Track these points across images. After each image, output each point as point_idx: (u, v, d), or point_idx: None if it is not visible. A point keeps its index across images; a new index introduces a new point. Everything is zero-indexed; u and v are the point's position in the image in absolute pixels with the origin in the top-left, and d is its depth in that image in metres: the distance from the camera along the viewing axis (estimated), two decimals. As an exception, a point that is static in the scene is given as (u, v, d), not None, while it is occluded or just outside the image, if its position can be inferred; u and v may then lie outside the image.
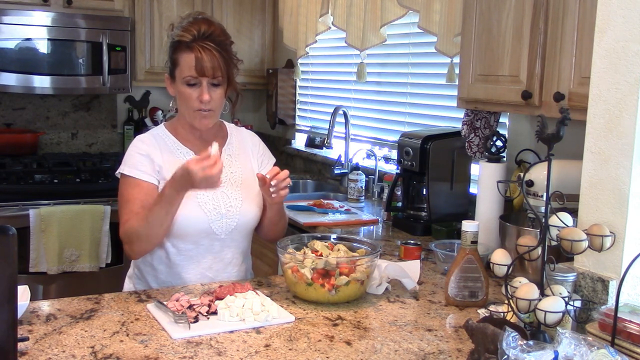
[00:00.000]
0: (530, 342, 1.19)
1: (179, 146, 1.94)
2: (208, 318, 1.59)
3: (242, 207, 1.93)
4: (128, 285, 2.01)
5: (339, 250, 1.82)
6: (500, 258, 1.49)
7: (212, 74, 1.84)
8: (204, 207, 1.88)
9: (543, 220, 1.42)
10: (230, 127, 2.07)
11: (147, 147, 1.92)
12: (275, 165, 1.98)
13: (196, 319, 1.57)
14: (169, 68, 1.91)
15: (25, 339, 1.41)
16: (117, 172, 1.93)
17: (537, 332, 1.40)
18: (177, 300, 1.64)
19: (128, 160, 1.91)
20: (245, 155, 2.03)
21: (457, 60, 2.43)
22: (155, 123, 4.10)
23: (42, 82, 3.75)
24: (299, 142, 4.43)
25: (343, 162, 3.60)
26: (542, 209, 1.43)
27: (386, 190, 2.94)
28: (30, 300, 1.60)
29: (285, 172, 1.83)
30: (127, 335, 1.49)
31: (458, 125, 2.63)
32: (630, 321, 1.33)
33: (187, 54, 1.84)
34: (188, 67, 1.84)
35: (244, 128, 2.12)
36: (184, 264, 1.91)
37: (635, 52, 1.45)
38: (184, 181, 1.71)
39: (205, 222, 1.88)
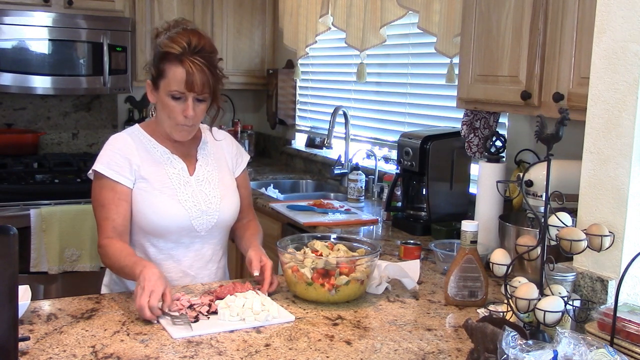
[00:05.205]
0: (530, 342, 1.20)
1: (155, 145, 1.92)
2: (208, 318, 1.59)
3: (221, 204, 1.94)
4: (105, 292, 1.98)
5: (338, 250, 1.82)
6: (500, 258, 1.49)
7: (200, 91, 1.79)
8: (184, 204, 1.87)
9: (542, 220, 1.42)
10: (203, 126, 2.03)
11: (124, 146, 1.88)
12: (249, 163, 2.08)
13: (196, 319, 1.57)
14: (152, 76, 1.87)
15: (26, 339, 1.41)
16: (89, 172, 1.88)
17: (536, 331, 1.40)
18: (177, 300, 1.64)
19: (102, 159, 1.86)
20: (220, 153, 2.03)
21: (456, 60, 2.43)
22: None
23: (42, 83, 3.75)
24: (299, 142, 4.43)
25: (343, 162, 3.61)
26: (542, 209, 1.43)
27: (386, 190, 2.94)
28: (31, 300, 1.60)
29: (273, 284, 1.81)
30: (128, 334, 1.50)
31: (457, 126, 2.64)
32: (629, 321, 1.34)
33: (175, 66, 1.79)
34: (176, 81, 1.79)
35: (215, 128, 2.04)
36: (165, 263, 1.90)
37: (634, 52, 1.45)
38: (135, 275, 1.65)
39: (186, 219, 1.87)
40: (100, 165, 1.85)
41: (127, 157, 1.86)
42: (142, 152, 1.89)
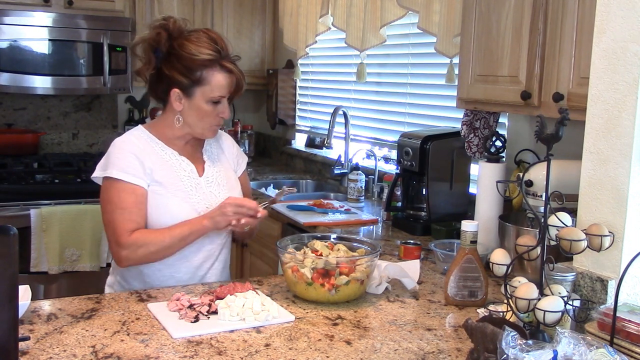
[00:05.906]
0: (530, 342, 1.20)
1: (163, 147, 1.91)
2: (208, 317, 1.59)
3: None
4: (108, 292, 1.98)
5: (338, 250, 1.82)
6: (500, 258, 1.49)
7: (241, 91, 1.90)
8: (196, 206, 1.89)
9: (542, 220, 1.42)
10: None
11: (135, 149, 1.87)
12: (247, 164, 2.15)
13: (196, 319, 1.57)
14: (181, 84, 1.84)
15: (27, 339, 1.41)
16: (93, 175, 1.87)
17: (536, 331, 1.40)
18: (177, 300, 1.65)
19: (115, 163, 1.84)
20: (223, 155, 2.06)
21: (456, 60, 2.43)
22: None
23: (43, 83, 3.75)
24: (299, 142, 4.43)
25: (343, 162, 3.61)
26: (542, 209, 1.43)
27: (386, 190, 2.94)
28: (31, 300, 1.60)
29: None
30: (128, 334, 1.50)
31: (457, 126, 2.64)
32: (629, 321, 1.34)
33: (217, 72, 1.83)
34: (220, 86, 1.84)
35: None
36: (176, 264, 1.91)
37: (634, 52, 1.45)
38: (204, 226, 1.84)
39: None
40: (116, 170, 1.83)
41: (140, 160, 1.85)
42: (152, 154, 1.89)
